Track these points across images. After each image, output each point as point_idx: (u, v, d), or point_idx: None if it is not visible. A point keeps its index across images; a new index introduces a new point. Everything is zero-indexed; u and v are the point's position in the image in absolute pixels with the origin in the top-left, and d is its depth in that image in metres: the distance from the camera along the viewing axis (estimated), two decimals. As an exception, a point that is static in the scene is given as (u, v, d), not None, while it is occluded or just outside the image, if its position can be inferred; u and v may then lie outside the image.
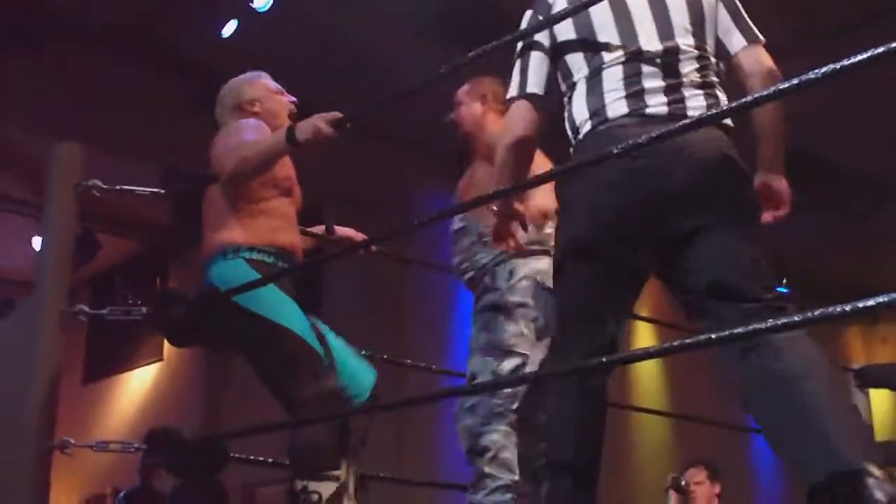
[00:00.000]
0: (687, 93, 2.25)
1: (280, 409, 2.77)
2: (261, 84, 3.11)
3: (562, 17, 2.30)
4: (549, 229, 3.11)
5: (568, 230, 2.29)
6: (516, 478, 3.12)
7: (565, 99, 2.39)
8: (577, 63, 2.35)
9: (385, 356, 3.56)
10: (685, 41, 2.29)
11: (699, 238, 2.15)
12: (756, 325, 1.54)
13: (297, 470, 2.66)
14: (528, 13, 2.47)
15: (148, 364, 10.48)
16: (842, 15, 5.82)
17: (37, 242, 5.53)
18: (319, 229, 3.36)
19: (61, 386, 2.84)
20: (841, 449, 1.86)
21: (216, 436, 3.65)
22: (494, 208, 2.53)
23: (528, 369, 3.13)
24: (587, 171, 2.18)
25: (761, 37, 2.38)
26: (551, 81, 2.40)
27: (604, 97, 2.27)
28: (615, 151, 1.92)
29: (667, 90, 2.24)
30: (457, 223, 3.41)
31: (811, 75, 1.49)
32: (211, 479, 2.90)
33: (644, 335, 8.48)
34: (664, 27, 2.29)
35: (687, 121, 1.99)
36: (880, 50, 1.39)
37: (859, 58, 1.42)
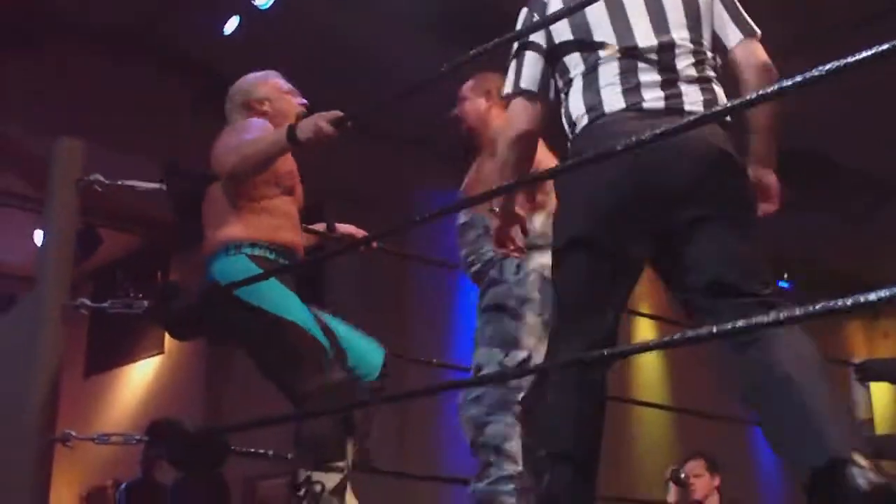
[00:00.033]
0: (683, 87, 2.26)
1: (282, 402, 2.78)
2: (272, 84, 3.11)
3: (558, 17, 2.31)
4: None
5: (567, 223, 2.29)
6: (520, 468, 3.14)
7: (562, 95, 2.40)
8: (573, 60, 2.36)
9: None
10: (681, 35, 2.30)
11: (698, 233, 2.16)
12: (758, 318, 1.54)
13: (302, 461, 2.67)
14: (524, 11, 2.48)
15: (149, 357, 10.49)
16: (842, 15, 5.83)
17: (38, 237, 5.54)
18: (321, 227, 3.37)
19: (63, 379, 2.85)
20: (829, 440, 1.88)
21: (218, 429, 3.66)
22: (496, 208, 2.54)
23: (534, 362, 3.15)
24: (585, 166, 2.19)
25: (757, 31, 2.39)
26: (546, 80, 2.41)
27: (600, 92, 2.28)
28: (619, 149, 1.93)
29: (663, 84, 2.25)
30: (462, 217, 3.43)
31: (815, 73, 1.49)
32: (212, 471, 2.91)
33: (645, 329, 8.50)
34: (660, 22, 2.30)
35: (691, 118, 1.99)
36: (885, 47, 1.40)
37: (864, 55, 1.42)
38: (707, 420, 5.37)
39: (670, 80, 2.26)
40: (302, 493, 2.63)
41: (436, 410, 6.96)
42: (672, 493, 5.26)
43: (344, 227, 3.41)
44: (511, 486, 3.13)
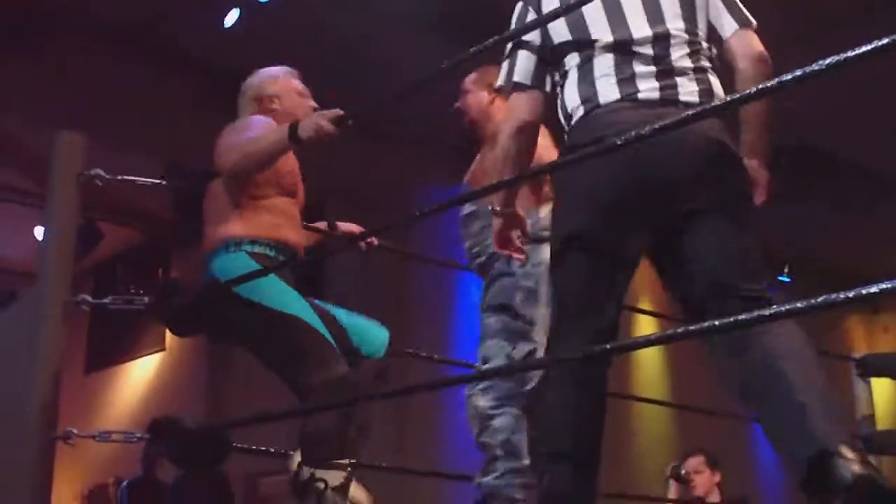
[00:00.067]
0: (678, 77, 2.26)
1: (283, 398, 2.78)
2: (286, 82, 3.10)
3: (554, 16, 2.31)
4: None
5: (565, 218, 2.29)
6: (526, 462, 3.14)
7: (558, 88, 2.41)
8: (568, 52, 2.36)
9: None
10: (676, 26, 2.30)
11: (698, 225, 2.16)
12: (759, 312, 1.54)
13: (305, 457, 2.67)
14: (519, 5, 2.49)
15: (150, 354, 10.50)
16: (841, 9, 5.83)
17: (39, 232, 5.54)
18: (322, 225, 3.37)
19: (63, 376, 2.85)
20: (817, 432, 1.88)
21: (219, 425, 3.66)
22: (497, 207, 2.53)
23: (540, 354, 3.15)
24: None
25: (753, 21, 2.39)
26: (540, 73, 2.42)
27: (595, 84, 2.29)
28: (618, 143, 1.93)
29: (658, 75, 2.25)
30: (466, 208, 3.43)
31: (815, 67, 1.50)
32: (213, 468, 2.91)
33: (645, 325, 8.50)
34: (654, 13, 2.31)
35: (691, 111, 2.00)
36: (884, 41, 1.40)
37: (863, 49, 1.42)
38: (707, 416, 5.38)
39: (665, 70, 2.26)
40: (303, 489, 2.62)
41: (435, 407, 6.96)
42: (673, 490, 5.27)
43: (345, 226, 3.41)
44: (518, 480, 3.13)
